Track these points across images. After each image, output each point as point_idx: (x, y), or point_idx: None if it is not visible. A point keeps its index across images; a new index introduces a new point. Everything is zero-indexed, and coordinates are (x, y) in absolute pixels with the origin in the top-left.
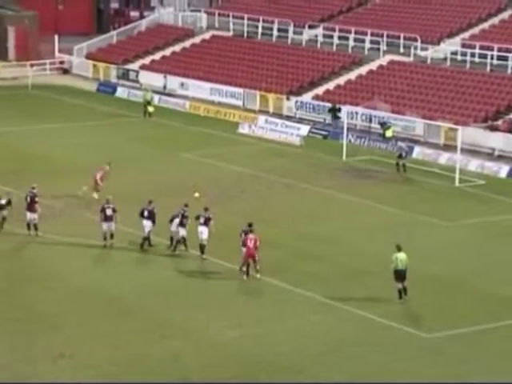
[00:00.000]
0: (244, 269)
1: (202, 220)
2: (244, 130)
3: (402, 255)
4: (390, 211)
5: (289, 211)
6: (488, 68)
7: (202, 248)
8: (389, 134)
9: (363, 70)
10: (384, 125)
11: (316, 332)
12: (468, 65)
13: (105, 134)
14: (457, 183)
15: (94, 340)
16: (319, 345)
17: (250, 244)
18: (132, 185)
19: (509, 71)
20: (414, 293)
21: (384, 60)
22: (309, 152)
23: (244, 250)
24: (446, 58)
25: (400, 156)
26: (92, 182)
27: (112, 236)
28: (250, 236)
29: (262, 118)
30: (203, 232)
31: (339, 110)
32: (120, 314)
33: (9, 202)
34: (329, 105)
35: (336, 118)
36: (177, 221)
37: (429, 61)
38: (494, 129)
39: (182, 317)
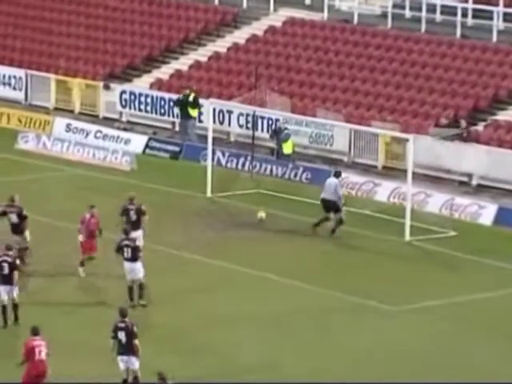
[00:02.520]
0: None
1: (127, 253)
2: (28, 144)
3: None
4: (288, 287)
5: (105, 287)
6: (458, 32)
7: (132, 292)
8: (288, 149)
9: (240, 35)
10: (279, 133)
11: None
12: (423, 26)
13: None
14: (407, 236)
15: None
16: None
17: (39, 356)
18: None
19: (494, 38)
20: None
21: (277, 17)
22: (146, 183)
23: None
24: (385, 15)
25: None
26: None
27: None
28: (37, 342)
29: (60, 123)
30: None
31: (197, 103)
32: None
33: None
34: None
35: (188, 117)
36: None
37: (355, 19)
38: (469, 139)
39: None
